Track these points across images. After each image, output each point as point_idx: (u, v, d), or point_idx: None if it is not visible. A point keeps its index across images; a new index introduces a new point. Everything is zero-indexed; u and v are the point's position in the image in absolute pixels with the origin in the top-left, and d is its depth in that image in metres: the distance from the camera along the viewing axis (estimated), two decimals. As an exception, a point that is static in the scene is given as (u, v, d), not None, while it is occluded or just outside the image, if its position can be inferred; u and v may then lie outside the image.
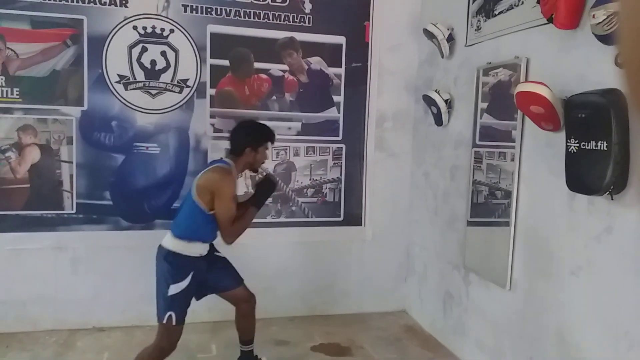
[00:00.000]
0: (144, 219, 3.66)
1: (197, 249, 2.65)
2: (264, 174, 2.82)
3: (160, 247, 2.64)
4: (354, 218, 4.07)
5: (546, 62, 2.55)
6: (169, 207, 3.67)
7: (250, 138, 2.71)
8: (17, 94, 3.40)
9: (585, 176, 2.19)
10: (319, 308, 4.03)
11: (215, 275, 2.79)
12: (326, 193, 4.00)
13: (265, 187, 2.81)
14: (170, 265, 2.58)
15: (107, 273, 3.65)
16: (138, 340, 3.47)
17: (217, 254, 2.87)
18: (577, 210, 2.34)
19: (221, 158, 2.80)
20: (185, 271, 2.59)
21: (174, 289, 2.55)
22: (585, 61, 2.28)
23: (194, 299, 2.72)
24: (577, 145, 2.20)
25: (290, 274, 3.89)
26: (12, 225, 3.46)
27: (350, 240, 4.09)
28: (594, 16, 2.12)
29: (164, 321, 2.55)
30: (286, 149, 3.88)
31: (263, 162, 2.83)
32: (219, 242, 2.74)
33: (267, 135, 2.77)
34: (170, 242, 2.62)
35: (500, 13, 2.93)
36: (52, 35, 3.43)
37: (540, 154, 2.59)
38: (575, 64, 2.34)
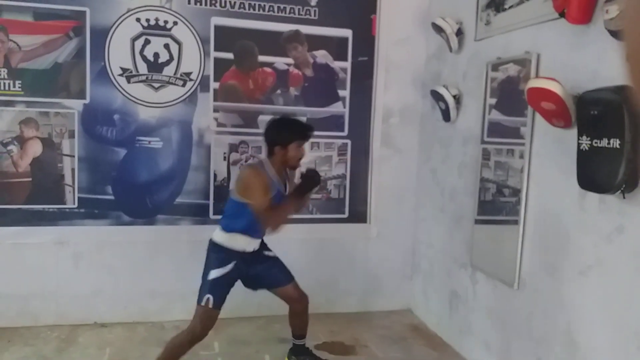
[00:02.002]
0: (145, 214, 3.63)
1: (240, 243, 2.75)
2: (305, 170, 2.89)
3: (209, 240, 2.80)
4: (358, 215, 4.03)
5: (557, 58, 2.49)
6: (172, 202, 3.65)
7: (276, 136, 2.70)
8: (19, 87, 3.37)
9: (596, 174, 2.16)
10: (323, 306, 3.98)
11: (265, 271, 2.89)
12: (331, 189, 3.95)
13: (306, 180, 2.81)
14: (214, 253, 2.74)
15: (109, 268, 3.62)
16: (140, 337, 3.45)
17: (268, 253, 2.96)
18: (587, 209, 2.30)
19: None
20: (227, 259, 2.72)
21: (214, 273, 2.68)
22: (598, 57, 2.23)
23: (251, 291, 2.91)
24: (589, 142, 2.16)
25: (294, 271, 3.79)
26: (13, 219, 3.43)
27: (354, 238, 4.04)
28: (607, 11, 2.07)
29: (202, 303, 2.65)
30: (291, 144, 3.84)
31: (299, 159, 2.78)
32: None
33: (295, 132, 2.72)
34: (216, 234, 2.78)
35: (510, 7, 2.87)
36: (55, 27, 3.39)
37: (551, 151, 2.54)
38: (588, 60, 2.29)
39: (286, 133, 2.71)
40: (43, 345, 3.27)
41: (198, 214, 3.69)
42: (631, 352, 2.08)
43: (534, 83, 2.40)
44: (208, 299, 2.64)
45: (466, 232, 3.33)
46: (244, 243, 2.76)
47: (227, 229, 2.74)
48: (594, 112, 2.13)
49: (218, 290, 2.67)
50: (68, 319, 3.57)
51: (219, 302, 2.68)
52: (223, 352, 3.29)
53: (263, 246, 2.93)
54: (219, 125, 3.69)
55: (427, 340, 3.62)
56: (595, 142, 2.13)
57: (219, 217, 3.66)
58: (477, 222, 3.20)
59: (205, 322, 2.66)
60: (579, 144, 2.20)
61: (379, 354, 3.37)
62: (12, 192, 3.43)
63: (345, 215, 4.00)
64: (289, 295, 2.96)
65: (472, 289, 3.26)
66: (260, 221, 2.65)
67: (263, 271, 2.88)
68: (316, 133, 3.83)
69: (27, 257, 3.49)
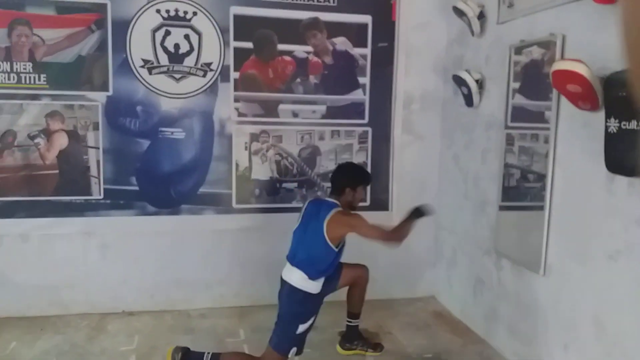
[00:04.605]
0: (170, 204, 3.67)
1: (321, 284, 2.80)
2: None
3: (290, 286, 2.74)
4: (380, 203, 4.01)
5: (583, 39, 2.43)
6: (195, 192, 3.68)
7: (349, 180, 2.91)
8: (44, 80, 3.42)
9: (625, 157, 2.12)
10: (347, 293, 3.99)
11: (333, 278, 2.95)
12: (352, 177, 3.94)
13: (418, 210, 2.88)
14: (302, 306, 2.74)
15: (135, 258, 3.68)
16: (167, 324, 3.51)
17: None
18: (616, 193, 2.25)
19: (326, 199, 2.89)
20: (315, 309, 2.78)
21: (302, 327, 2.71)
22: (626, 36, 2.16)
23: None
24: (618, 125, 2.12)
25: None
26: (42, 210, 3.51)
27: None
28: (635, -12, 2.01)
29: (288, 355, 2.69)
30: (311, 133, 3.84)
31: (361, 200, 3.00)
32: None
33: (364, 177, 3.01)
34: (302, 282, 2.74)
35: (534, -12, 2.81)
36: (77, 20, 3.43)
37: (577, 135, 2.49)
38: (615, 40, 2.22)
39: (357, 176, 2.97)
40: (74, 333, 3.36)
41: (221, 203, 3.72)
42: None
43: (559, 65, 2.35)
44: (293, 351, 2.70)
45: (490, 219, 3.29)
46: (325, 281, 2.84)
47: (315, 275, 2.74)
48: (622, 94, 2.08)
49: (302, 340, 2.75)
50: (97, 307, 3.65)
51: (302, 349, 2.77)
52: (249, 339, 3.33)
53: None
54: (240, 115, 3.70)
55: (452, 327, 3.61)
56: (624, 125, 2.09)
57: (242, 205, 3.73)
58: (501, 208, 3.17)
59: None
60: (606, 127, 2.16)
61: (403, 341, 3.37)
62: (40, 184, 3.50)
63: (367, 203, 3.98)
64: (350, 275, 3.13)
65: (497, 276, 3.24)
66: (384, 240, 2.76)
67: (332, 280, 2.95)
68: (336, 121, 3.85)
69: (57, 248, 3.57)
